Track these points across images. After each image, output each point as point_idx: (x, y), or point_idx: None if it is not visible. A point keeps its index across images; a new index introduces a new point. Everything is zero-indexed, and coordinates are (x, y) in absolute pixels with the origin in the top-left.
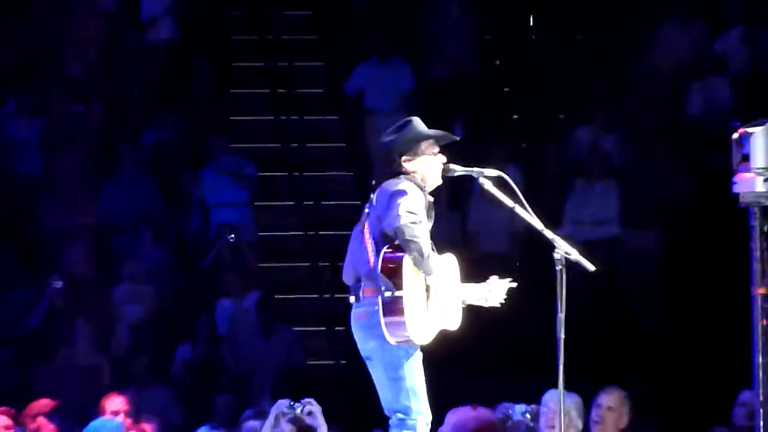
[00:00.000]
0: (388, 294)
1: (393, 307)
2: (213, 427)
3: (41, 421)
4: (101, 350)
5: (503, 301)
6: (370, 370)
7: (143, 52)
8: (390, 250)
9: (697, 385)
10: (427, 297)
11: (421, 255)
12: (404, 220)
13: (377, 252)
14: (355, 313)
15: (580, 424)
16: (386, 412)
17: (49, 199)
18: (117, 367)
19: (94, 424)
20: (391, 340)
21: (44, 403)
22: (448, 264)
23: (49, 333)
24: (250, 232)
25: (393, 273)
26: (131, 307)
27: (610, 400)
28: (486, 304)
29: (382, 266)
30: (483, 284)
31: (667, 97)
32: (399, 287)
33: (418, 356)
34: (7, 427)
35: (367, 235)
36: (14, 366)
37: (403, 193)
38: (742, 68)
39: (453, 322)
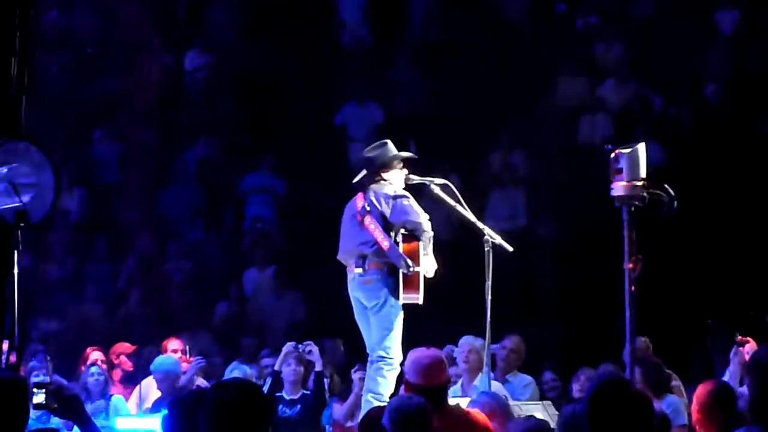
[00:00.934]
0: (411, 269)
1: (412, 280)
2: (240, 362)
3: (122, 359)
4: (162, 306)
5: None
6: (359, 320)
7: (188, 93)
8: (405, 237)
9: (584, 331)
10: (423, 268)
11: (430, 241)
12: (422, 218)
13: (388, 237)
14: (360, 279)
15: (486, 359)
16: (369, 351)
17: (124, 201)
18: (173, 318)
19: (159, 359)
20: (402, 301)
21: (125, 346)
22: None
23: (127, 294)
24: (274, 223)
25: (412, 253)
26: (182, 275)
27: (511, 343)
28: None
29: (403, 248)
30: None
31: (563, 127)
32: (417, 264)
33: (401, 315)
34: (102, 361)
35: (372, 226)
36: (104, 318)
37: (405, 197)
38: (616, 107)
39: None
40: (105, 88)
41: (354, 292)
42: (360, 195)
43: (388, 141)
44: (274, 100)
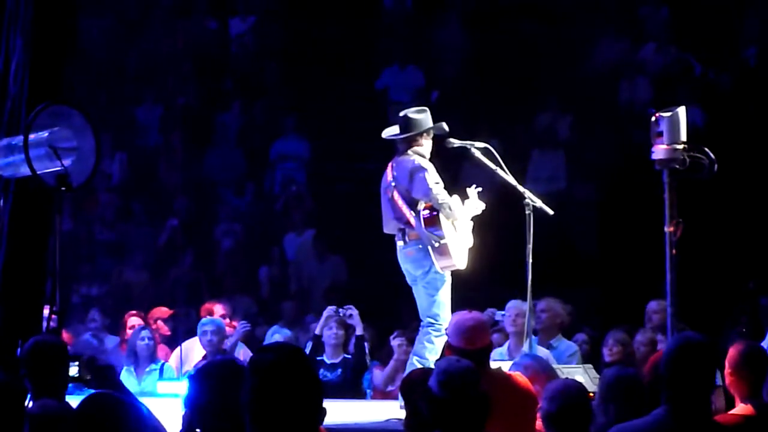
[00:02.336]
0: (436, 243)
1: (442, 250)
2: (281, 326)
3: (159, 324)
4: (205, 270)
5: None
6: (413, 288)
7: (231, 57)
8: (426, 210)
9: (624, 294)
10: (456, 234)
11: (450, 209)
12: (435, 190)
13: (415, 212)
14: (404, 251)
15: (533, 323)
16: (421, 317)
17: (166, 164)
18: (214, 282)
19: (206, 320)
20: (441, 270)
21: (163, 310)
22: (459, 202)
23: (166, 258)
24: (310, 186)
25: (435, 227)
26: (226, 239)
27: (552, 306)
28: (479, 211)
29: (425, 223)
30: (470, 201)
31: (604, 90)
32: (442, 237)
33: (449, 281)
34: (141, 326)
35: (399, 201)
36: (146, 282)
37: (423, 169)
38: (656, 71)
39: (470, 240)
40: (147, 51)
41: (403, 264)
42: (389, 166)
43: (427, 109)
44: (317, 65)
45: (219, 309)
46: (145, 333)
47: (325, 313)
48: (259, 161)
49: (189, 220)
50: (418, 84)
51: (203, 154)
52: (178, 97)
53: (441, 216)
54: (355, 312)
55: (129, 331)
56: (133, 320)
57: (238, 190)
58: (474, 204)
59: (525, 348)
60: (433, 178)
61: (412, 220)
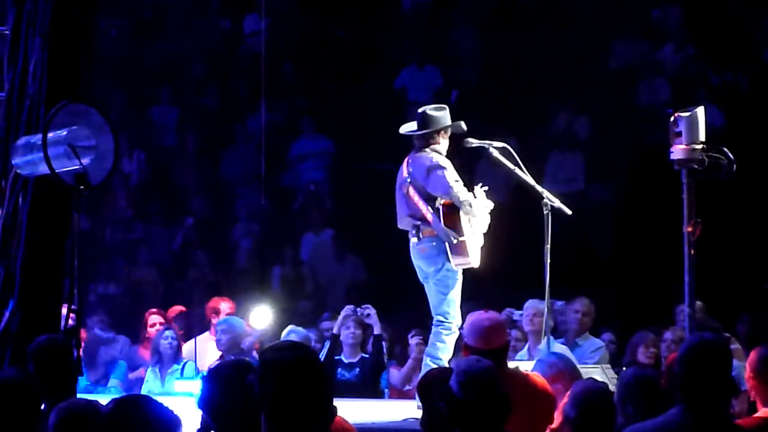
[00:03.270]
0: (455, 240)
1: (459, 248)
2: (297, 326)
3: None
4: (220, 270)
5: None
6: (425, 286)
7: (246, 56)
8: (446, 208)
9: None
10: (473, 232)
11: (470, 206)
12: (456, 188)
13: (432, 208)
14: (417, 247)
15: (551, 322)
16: (432, 314)
17: (183, 164)
18: (230, 282)
19: (220, 320)
20: (455, 268)
21: (178, 309)
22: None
23: (182, 257)
24: (330, 186)
25: (454, 224)
26: (243, 240)
27: (583, 305)
28: (488, 210)
29: (444, 221)
30: (478, 200)
31: (622, 91)
32: (461, 234)
33: (460, 279)
34: (161, 323)
35: (415, 197)
36: (160, 280)
37: (442, 167)
38: (675, 71)
39: (481, 240)
40: (164, 51)
41: (415, 261)
42: (405, 162)
43: (446, 107)
44: (333, 64)
45: (225, 306)
46: (168, 333)
47: (343, 313)
48: (277, 161)
49: (205, 220)
50: (437, 84)
51: (220, 154)
52: (195, 97)
53: (461, 213)
54: (372, 311)
55: (150, 330)
56: (154, 318)
57: (256, 190)
58: (482, 203)
59: (542, 346)
60: (452, 175)
61: (429, 216)
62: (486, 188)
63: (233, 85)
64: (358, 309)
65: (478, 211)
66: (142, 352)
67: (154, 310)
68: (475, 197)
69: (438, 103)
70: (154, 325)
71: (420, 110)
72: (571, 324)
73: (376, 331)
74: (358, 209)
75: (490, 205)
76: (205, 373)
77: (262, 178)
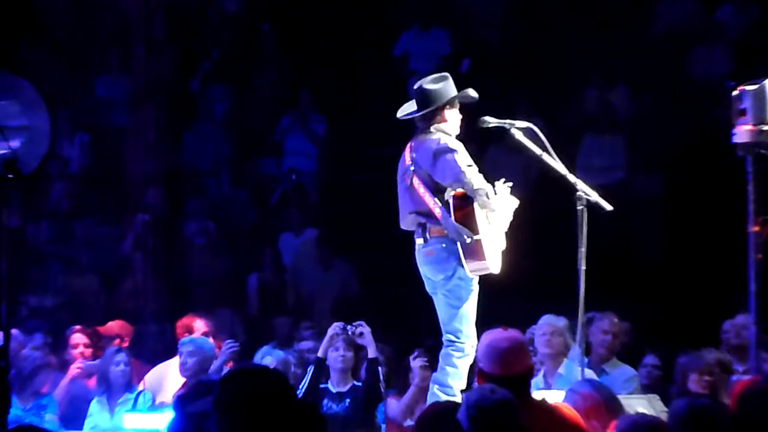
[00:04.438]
0: (468, 240)
1: (474, 249)
2: (273, 346)
3: (116, 342)
4: (179, 278)
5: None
6: (433, 298)
7: (212, 17)
8: (457, 200)
9: (691, 309)
10: (491, 230)
11: (488, 197)
12: (469, 173)
13: (440, 202)
14: (423, 251)
15: (571, 342)
16: (442, 332)
17: (135, 148)
18: (191, 292)
19: (189, 338)
20: (470, 275)
21: (120, 326)
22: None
23: (133, 263)
24: (316, 177)
25: (468, 220)
26: (203, 239)
27: (610, 324)
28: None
29: (456, 216)
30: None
31: (672, 60)
32: (476, 231)
33: (476, 289)
34: (86, 345)
35: (421, 189)
36: (105, 290)
37: (452, 150)
38: (736, 36)
39: (503, 243)
40: (113, 7)
41: (421, 267)
42: (407, 148)
43: (449, 75)
44: (320, 26)
45: (200, 325)
46: (120, 357)
47: (330, 331)
48: (251, 145)
49: (161, 216)
50: (444, 50)
51: (181, 136)
52: (152, 65)
53: (475, 205)
54: (366, 330)
55: (74, 352)
56: (78, 338)
57: (223, 180)
58: (505, 201)
59: (562, 371)
60: (464, 159)
61: (437, 211)
62: (511, 184)
63: (199, 51)
64: (349, 327)
65: (497, 204)
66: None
67: (78, 327)
68: (496, 194)
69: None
70: (77, 346)
71: (416, 85)
72: (597, 347)
73: (371, 353)
74: (350, 204)
75: (515, 203)
76: (175, 401)
77: (233, 165)
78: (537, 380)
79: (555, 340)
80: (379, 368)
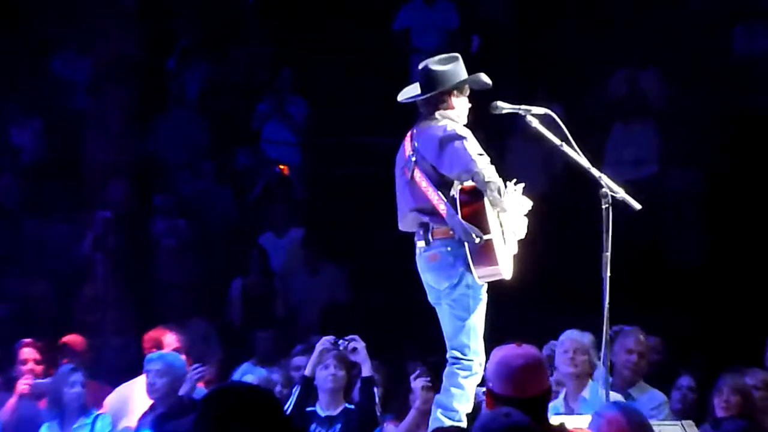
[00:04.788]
0: (477, 240)
1: (484, 251)
2: (254, 363)
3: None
4: (146, 283)
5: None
6: (437, 309)
7: None
8: (465, 195)
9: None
10: (502, 231)
11: (500, 193)
12: (481, 164)
13: (445, 197)
14: (425, 255)
15: (596, 362)
16: (447, 348)
17: (96, 135)
18: (158, 301)
19: (157, 354)
20: (479, 281)
21: (75, 340)
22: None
23: (93, 266)
24: (301, 168)
25: (477, 218)
26: (171, 239)
27: (641, 345)
28: (525, 211)
29: (463, 213)
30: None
31: (711, 39)
32: (486, 231)
33: (484, 299)
34: (37, 361)
35: (423, 183)
36: (54, 298)
37: (460, 137)
38: None
39: (515, 247)
40: None
41: (423, 273)
42: (408, 136)
43: (459, 56)
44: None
45: (170, 339)
46: (75, 376)
47: (318, 347)
48: (229, 132)
49: (125, 213)
50: (451, 25)
51: (148, 123)
52: (115, 42)
53: (486, 202)
54: (360, 345)
55: (23, 368)
56: (28, 352)
57: (197, 172)
58: (517, 202)
59: (586, 395)
60: (474, 147)
61: (441, 208)
62: (522, 185)
63: (169, 25)
64: (341, 341)
65: (508, 201)
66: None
67: (28, 341)
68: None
69: (452, 51)
70: (27, 362)
71: (421, 66)
72: (620, 368)
73: (366, 372)
74: (341, 201)
75: (528, 204)
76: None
77: (208, 155)
78: (557, 403)
79: (579, 358)
80: (375, 389)
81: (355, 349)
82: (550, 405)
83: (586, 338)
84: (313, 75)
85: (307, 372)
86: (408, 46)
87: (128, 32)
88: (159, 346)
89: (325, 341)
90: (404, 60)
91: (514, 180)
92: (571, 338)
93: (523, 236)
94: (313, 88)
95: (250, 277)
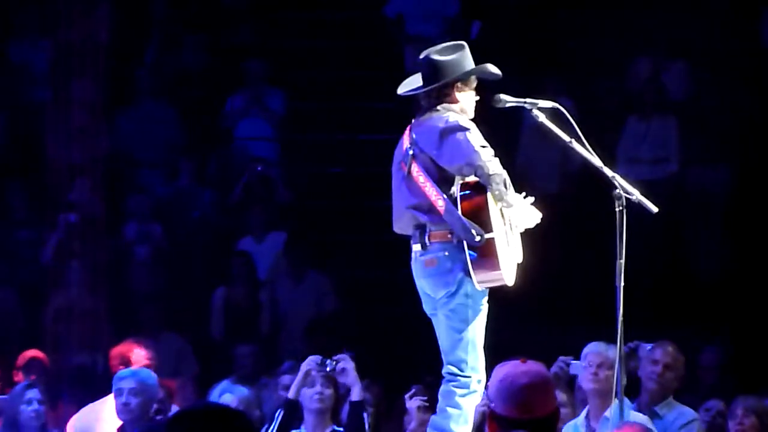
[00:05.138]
0: (478, 238)
1: (485, 253)
2: (234, 381)
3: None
4: (117, 294)
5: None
6: (433, 320)
7: None
8: (466, 189)
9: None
10: (506, 232)
11: (506, 186)
12: (484, 156)
13: (444, 194)
14: (420, 260)
15: (624, 379)
16: (443, 363)
17: (58, 130)
18: (128, 312)
19: (128, 371)
20: (479, 287)
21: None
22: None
23: (55, 274)
24: (281, 167)
25: (479, 214)
26: (143, 247)
27: (668, 357)
28: (533, 223)
29: (463, 209)
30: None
31: (737, 27)
32: (488, 229)
33: (485, 309)
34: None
35: (421, 178)
36: (18, 309)
37: (463, 128)
38: None
39: (520, 253)
40: None
41: (418, 280)
42: (407, 130)
43: (465, 45)
44: None
45: (140, 355)
46: (32, 393)
47: (303, 367)
48: (205, 127)
49: (89, 217)
50: (450, 10)
51: (116, 115)
52: (79, 26)
53: (489, 197)
54: (350, 365)
55: None
56: None
57: (171, 172)
58: (524, 212)
59: (609, 415)
60: (478, 139)
61: (440, 204)
62: (532, 200)
63: (135, 6)
64: (328, 361)
65: (513, 197)
66: None
67: None
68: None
69: (450, 40)
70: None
71: (423, 55)
72: (647, 383)
73: (355, 395)
74: (328, 202)
75: (537, 216)
76: None
77: (182, 151)
78: (577, 422)
79: (603, 373)
80: (365, 411)
81: (343, 370)
82: (570, 424)
83: (612, 352)
84: (295, 65)
85: (290, 395)
86: (401, 34)
87: (94, 15)
88: (127, 362)
89: (311, 361)
90: (398, 50)
91: (524, 194)
92: (596, 351)
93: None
94: (294, 80)
95: (235, 286)
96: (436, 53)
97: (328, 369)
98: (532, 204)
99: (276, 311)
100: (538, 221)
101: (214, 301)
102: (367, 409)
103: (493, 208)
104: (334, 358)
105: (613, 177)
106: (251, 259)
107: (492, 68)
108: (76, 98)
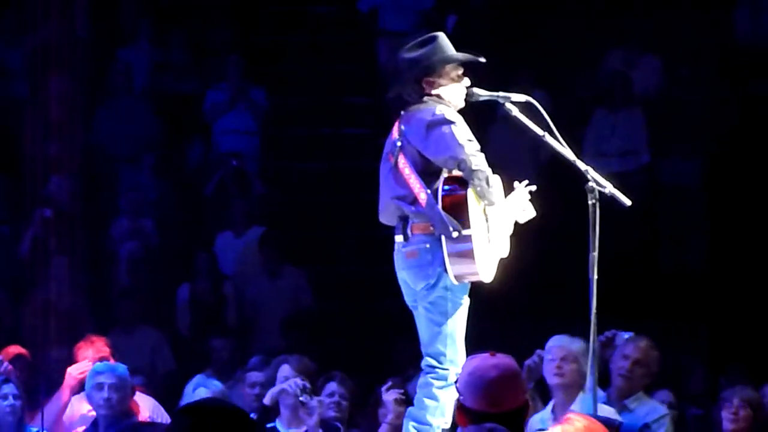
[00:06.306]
0: (455, 234)
1: (461, 247)
2: (209, 375)
3: (9, 369)
4: (91, 290)
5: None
6: (414, 313)
7: None
8: (449, 184)
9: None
10: (488, 228)
11: (488, 183)
12: (468, 149)
13: (427, 186)
14: (402, 251)
15: (596, 372)
16: (423, 355)
17: (34, 125)
18: (109, 308)
19: (104, 365)
20: (454, 279)
21: (14, 351)
22: (498, 187)
23: (31, 270)
24: (259, 161)
25: (458, 210)
26: (126, 241)
27: (639, 352)
28: (526, 218)
29: (444, 203)
30: (515, 199)
31: (711, 21)
32: (466, 225)
33: (466, 303)
34: None
35: (407, 170)
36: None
37: (449, 122)
38: None
39: (505, 249)
40: None
41: (399, 272)
42: (397, 122)
43: (440, 35)
44: None
45: (103, 347)
46: (8, 388)
47: (283, 384)
48: (181, 121)
49: (67, 212)
50: (425, 4)
51: (93, 110)
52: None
53: (470, 192)
54: (317, 411)
55: None
56: None
57: (147, 166)
58: (520, 205)
59: (577, 408)
60: (463, 132)
61: (422, 197)
62: (534, 188)
63: (112, 1)
64: (304, 396)
65: (497, 194)
66: None
67: None
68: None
69: (425, 33)
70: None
71: (400, 54)
72: (615, 378)
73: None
74: (305, 197)
75: (530, 212)
76: None
77: (158, 146)
78: (544, 416)
79: (568, 367)
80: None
81: (312, 409)
82: (537, 417)
83: (576, 345)
84: (270, 60)
85: (266, 401)
86: (375, 28)
87: (69, 11)
88: (104, 357)
89: (293, 384)
90: (371, 44)
91: (526, 181)
92: (559, 345)
93: (507, 250)
94: (271, 75)
95: (198, 282)
96: (405, 51)
97: (301, 399)
98: (532, 193)
99: (243, 306)
100: (530, 217)
101: (179, 297)
102: (344, 398)
103: (474, 204)
104: (315, 397)
105: (587, 170)
106: (215, 254)
107: (461, 55)
108: (53, 94)
